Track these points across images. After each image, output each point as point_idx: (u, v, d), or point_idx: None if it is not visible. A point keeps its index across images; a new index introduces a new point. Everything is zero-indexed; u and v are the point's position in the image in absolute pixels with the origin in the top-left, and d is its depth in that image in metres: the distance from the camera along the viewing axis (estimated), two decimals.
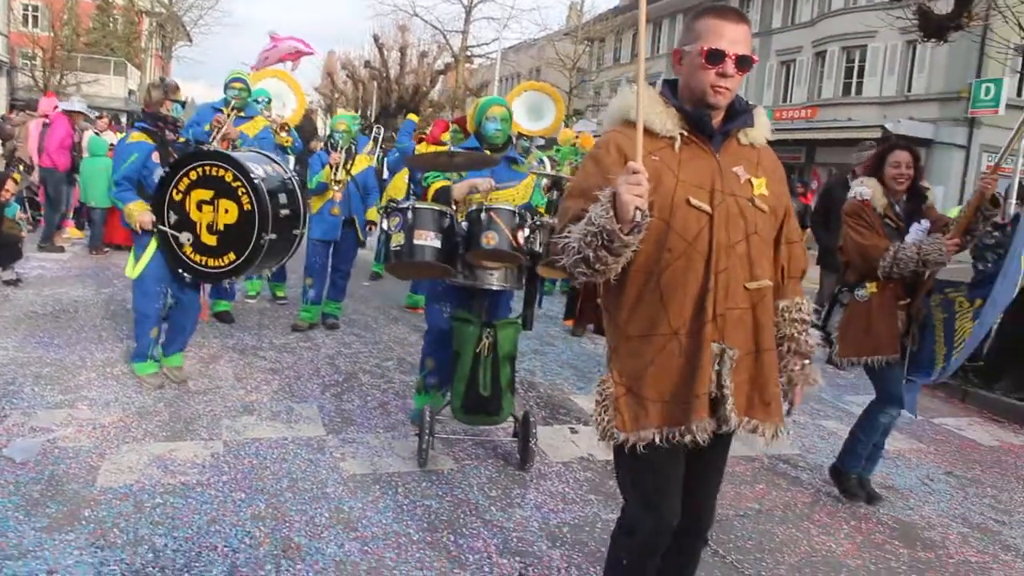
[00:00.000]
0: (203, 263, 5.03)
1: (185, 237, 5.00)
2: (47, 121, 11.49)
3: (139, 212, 5.06)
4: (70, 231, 12.10)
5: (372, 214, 7.29)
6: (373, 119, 34.88)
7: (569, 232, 2.17)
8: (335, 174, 6.99)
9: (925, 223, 4.17)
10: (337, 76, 50.35)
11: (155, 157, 5.14)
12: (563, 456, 4.73)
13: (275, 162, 5.34)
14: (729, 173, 2.29)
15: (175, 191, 4.99)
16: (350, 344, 6.91)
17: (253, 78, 9.30)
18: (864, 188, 4.26)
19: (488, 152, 4.68)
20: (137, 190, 5.16)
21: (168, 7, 44.00)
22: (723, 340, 2.24)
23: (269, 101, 7.63)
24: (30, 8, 41.83)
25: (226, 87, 6.88)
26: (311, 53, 11.03)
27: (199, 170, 4.94)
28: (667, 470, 2.35)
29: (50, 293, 7.95)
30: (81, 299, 7.66)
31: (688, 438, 2.22)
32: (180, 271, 5.11)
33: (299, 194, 5.30)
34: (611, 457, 4.66)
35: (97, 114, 14.54)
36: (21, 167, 13.31)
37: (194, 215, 4.98)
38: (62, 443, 4.27)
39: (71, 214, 12.10)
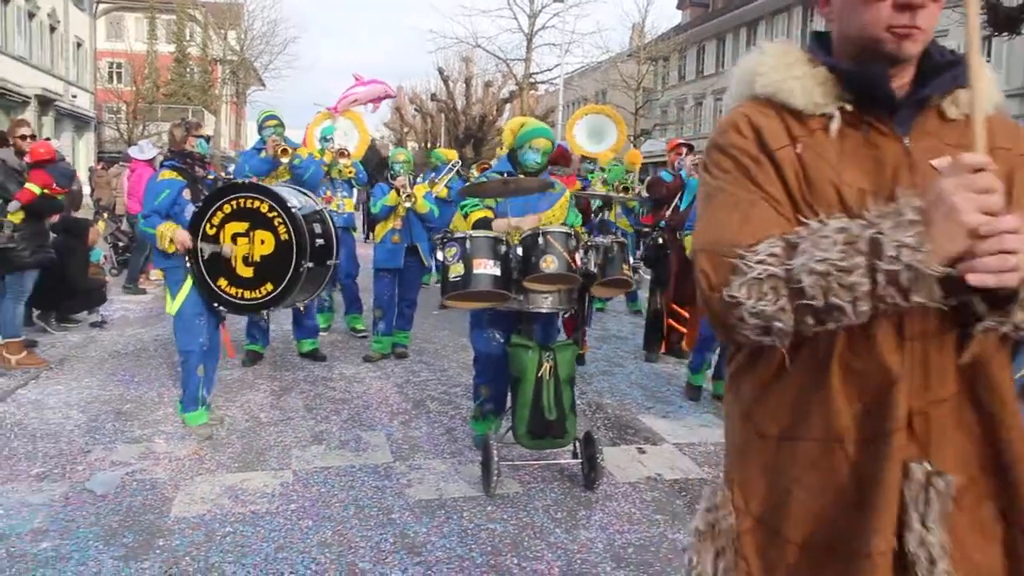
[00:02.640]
0: (239, 295, 5.06)
1: (227, 250, 4.99)
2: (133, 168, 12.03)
3: (172, 230, 5.01)
4: (153, 273, 12.57)
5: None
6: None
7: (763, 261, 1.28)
8: (403, 196, 7.12)
9: None
10: (406, 111, 51.35)
11: (186, 194, 5.19)
12: (630, 477, 4.67)
13: (305, 194, 5.45)
14: (926, 168, 1.36)
15: (208, 225, 5.04)
16: (418, 372, 6.99)
17: (325, 116, 9.63)
18: None
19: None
20: None
21: (240, 54, 45.67)
22: (927, 455, 1.31)
23: (330, 138, 7.93)
24: (114, 65, 44.05)
25: (260, 127, 7.04)
26: (394, 96, 11.37)
27: (234, 203, 5.02)
28: None
29: (132, 333, 8.28)
30: (160, 338, 7.95)
31: None
32: (216, 305, 5.13)
33: (331, 226, 5.39)
34: (678, 476, 4.61)
35: None
36: (106, 215, 14.00)
37: (226, 251, 5.03)
38: (140, 476, 4.42)
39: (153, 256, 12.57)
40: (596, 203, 8.75)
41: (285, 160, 6.65)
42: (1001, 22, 10.07)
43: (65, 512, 3.92)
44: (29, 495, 4.12)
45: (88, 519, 3.85)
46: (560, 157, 7.21)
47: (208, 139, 5.57)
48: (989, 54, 25.03)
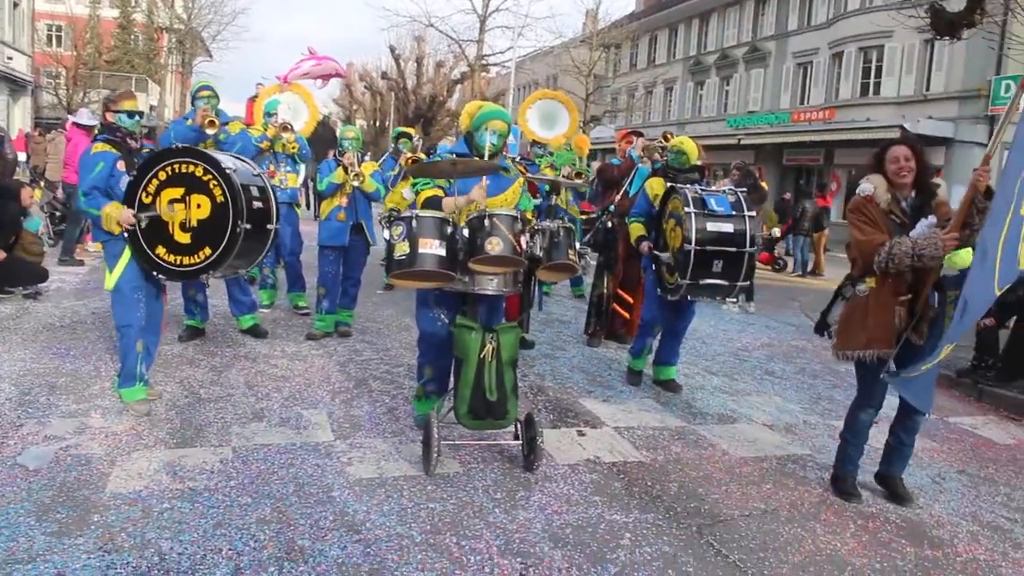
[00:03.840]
0: (178, 262, 4.96)
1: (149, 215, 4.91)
2: (70, 136, 11.70)
3: (117, 211, 4.92)
4: (90, 244, 12.28)
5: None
6: (392, 129, 35.00)
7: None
8: (350, 174, 7.07)
9: (932, 219, 4.14)
10: (355, 88, 50.75)
11: (121, 166, 5.09)
12: (569, 459, 4.75)
13: (244, 161, 5.36)
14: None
15: (144, 194, 4.94)
16: (361, 351, 6.97)
17: (277, 89, 9.51)
18: (867, 184, 4.25)
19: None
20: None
21: (187, 23, 44.55)
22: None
23: (274, 112, 7.84)
24: (54, 28, 42.60)
25: (194, 98, 6.88)
26: (344, 76, 11.32)
27: (168, 169, 4.92)
28: None
29: (68, 306, 8.09)
30: (99, 311, 7.77)
31: None
32: (155, 274, 5.03)
33: (270, 190, 5.30)
34: (617, 459, 4.70)
35: None
36: (43, 182, 13.60)
37: (165, 216, 4.92)
38: (75, 451, 4.34)
39: (90, 227, 12.27)
40: (543, 188, 8.78)
41: (211, 132, 6.49)
42: (943, 27, 10.35)
43: None
44: None
45: (19, 494, 3.77)
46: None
47: (141, 114, 5.36)
48: (932, 58, 25.69)
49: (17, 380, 5.50)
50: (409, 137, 10.59)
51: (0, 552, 3.24)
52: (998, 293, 3.99)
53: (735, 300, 9.45)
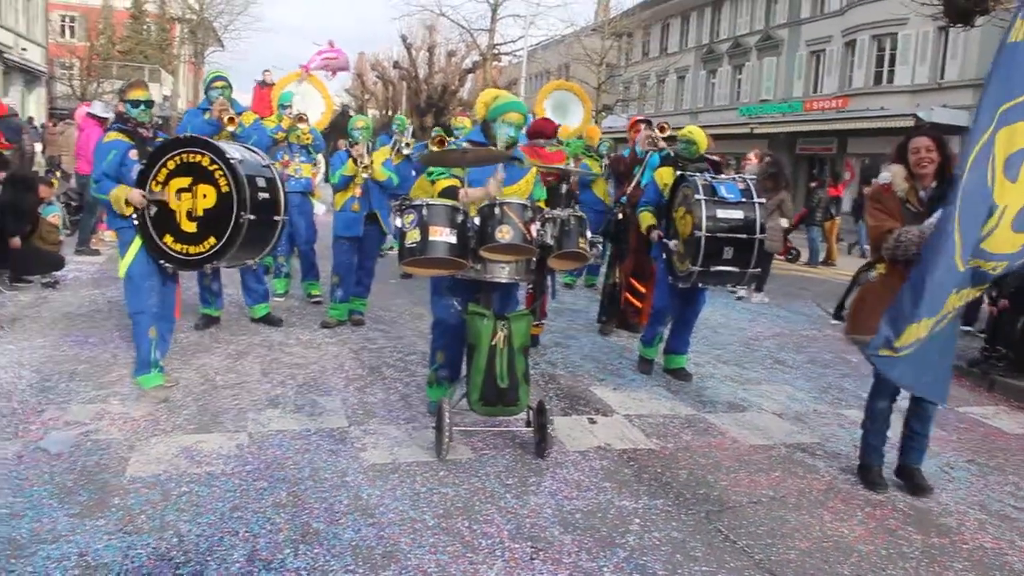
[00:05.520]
0: (184, 251, 5.01)
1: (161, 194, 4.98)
2: (82, 127, 11.80)
3: (126, 192, 5.01)
4: (105, 234, 12.38)
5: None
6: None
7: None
8: (359, 165, 7.11)
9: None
10: (367, 77, 50.75)
11: (133, 154, 5.17)
12: (580, 445, 4.80)
13: (254, 152, 5.39)
14: None
15: (154, 183, 5.00)
16: (375, 339, 7.04)
17: (296, 76, 9.59)
18: (887, 173, 4.32)
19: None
20: None
21: (199, 13, 44.63)
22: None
23: (288, 104, 7.91)
24: (67, 19, 42.78)
25: (208, 87, 6.94)
26: (349, 71, 11.50)
27: (177, 158, 4.98)
28: None
29: (86, 294, 8.20)
30: (115, 299, 7.86)
31: None
32: (163, 262, 5.10)
33: (278, 182, 5.30)
34: (627, 446, 4.75)
35: None
36: (59, 173, 13.73)
37: (173, 204, 4.97)
38: (95, 436, 4.43)
39: (105, 217, 12.38)
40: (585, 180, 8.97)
41: (231, 128, 6.53)
42: (957, 14, 10.31)
43: (18, 471, 3.93)
44: None
45: (42, 477, 3.87)
46: (542, 131, 7.21)
47: (147, 103, 5.39)
48: (946, 46, 25.49)
49: (38, 367, 5.60)
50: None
51: (26, 532, 3.33)
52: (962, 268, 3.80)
53: (743, 288, 9.51)
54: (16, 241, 8.16)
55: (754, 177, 6.16)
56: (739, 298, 10.69)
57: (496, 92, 4.97)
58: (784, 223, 10.80)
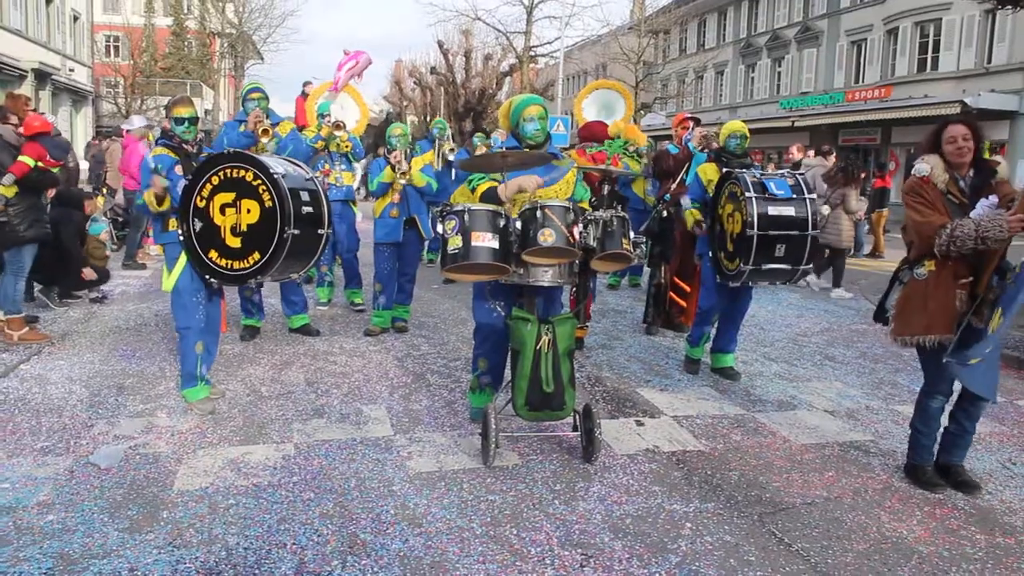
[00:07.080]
0: (229, 266, 5.01)
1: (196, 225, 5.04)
2: (126, 144, 12.00)
3: (151, 190, 5.06)
4: (152, 248, 12.58)
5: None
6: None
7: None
8: (397, 172, 7.11)
9: (993, 199, 3.98)
10: (405, 84, 51.08)
11: (178, 170, 5.20)
12: (628, 449, 4.72)
13: (298, 165, 5.40)
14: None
15: (199, 198, 5.03)
16: (418, 346, 7.03)
17: (327, 87, 9.67)
18: (923, 165, 4.12)
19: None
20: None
21: (238, 27, 45.31)
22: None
23: (326, 114, 8.00)
24: (111, 39, 43.75)
25: (245, 100, 6.94)
26: (371, 62, 11.43)
27: (221, 174, 4.99)
28: None
29: (133, 309, 8.31)
30: (161, 313, 7.97)
31: None
32: (208, 277, 5.11)
33: (322, 195, 5.27)
34: (676, 448, 4.66)
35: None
36: (105, 189, 13.99)
37: (217, 219, 4.98)
38: (143, 449, 4.46)
39: (152, 231, 12.57)
40: (624, 180, 8.93)
41: (266, 140, 6.53)
42: None
43: (70, 485, 3.97)
44: (34, 469, 4.16)
45: (93, 492, 3.90)
46: (595, 134, 7.17)
47: (189, 120, 5.41)
48: (993, 29, 24.86)
49: (87, 382, 5.68)
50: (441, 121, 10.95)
51: (77, 548, 3.35)
52: None
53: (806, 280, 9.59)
54: (89, 272, 8.29)
55: (802, 173, 6.02)
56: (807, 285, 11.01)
57: (509, 100, 4.98)
58: (849, 218, 10.68)
